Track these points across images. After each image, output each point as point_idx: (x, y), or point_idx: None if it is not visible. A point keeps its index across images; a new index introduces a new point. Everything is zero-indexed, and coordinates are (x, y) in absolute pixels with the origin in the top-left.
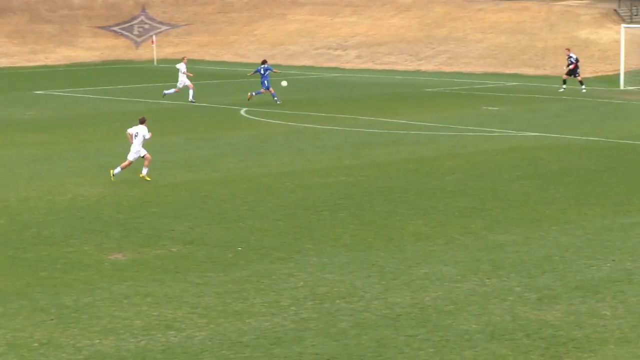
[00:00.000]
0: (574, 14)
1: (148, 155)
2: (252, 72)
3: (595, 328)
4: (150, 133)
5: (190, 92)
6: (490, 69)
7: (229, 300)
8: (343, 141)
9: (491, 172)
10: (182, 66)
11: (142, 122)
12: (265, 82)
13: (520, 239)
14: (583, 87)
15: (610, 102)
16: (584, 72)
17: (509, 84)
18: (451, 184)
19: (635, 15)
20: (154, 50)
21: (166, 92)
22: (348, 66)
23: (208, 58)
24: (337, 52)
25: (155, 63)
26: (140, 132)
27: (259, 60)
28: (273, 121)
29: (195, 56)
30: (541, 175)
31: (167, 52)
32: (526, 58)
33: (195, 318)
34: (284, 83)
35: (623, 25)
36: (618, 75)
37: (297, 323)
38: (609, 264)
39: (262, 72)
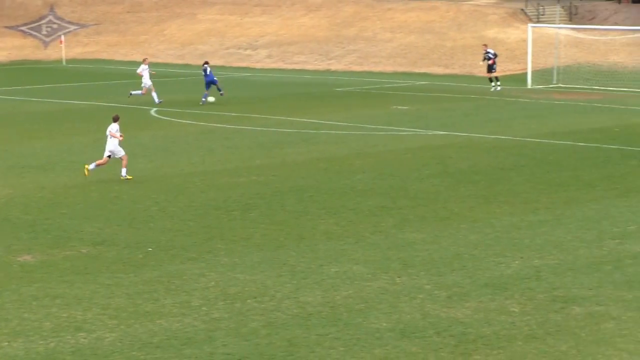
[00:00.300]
0: (482, 14)
1: (125, 155)
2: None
3: (504, 325)
4: (119, 132)
5: (154, 94)
6: (400, 69)
7: (140, 301)
8: (254, 141)
9: (401, 170)
10: (144, 67)
11: (115, 120)
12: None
13: (430, 237)
14: (498, 84)
15: (517, 100)
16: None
17: (418, 83)
18: (361, 183)
19: (542, 15)
20: (62, 50)
21: (132, 92)
22: (258, 66)
23: (118, 58)
24: (247, 52)
25: (64, 63)
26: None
27: (169, 60)
28: (184, 121)
29: (104, 56)
30: (450, 173)
31: (76, 52)
32: (435, 57)
33: (106, 319)
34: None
35: (530, 24)
36: (526, 74)
37: (208, 323)
38: (517, 261)
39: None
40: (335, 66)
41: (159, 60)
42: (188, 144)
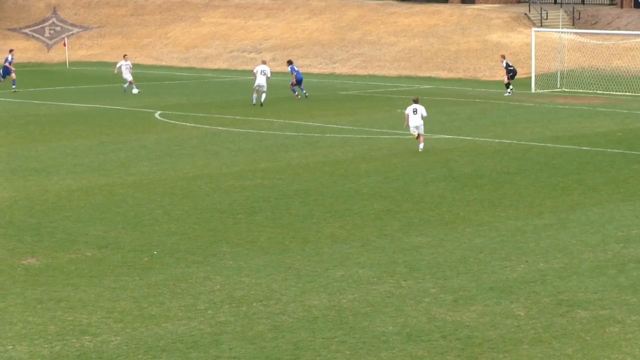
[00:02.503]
0: (486, 18)
1: None
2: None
3: (510, 328)
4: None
5: (133, 86)
6: (404, 72)
7: (145, 305)
8: (258, 144)
9: (406, 174)
10: (123, 63)
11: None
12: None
13: (435, 240)
14: (509, 90)
15: (521, 104)
16: (496, 75)
17: (422, 87)
18: (366, 186)
19: (545, 19)
20: (66, 53)
21: (133, 91)
22: None
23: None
24: (251, 55)
25: (67, 66)
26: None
27: (173, 63)
28: (188, 124)
29: (108, 59)
30: (455, 177)
31: (80, 54)
32: (439, 61)
33: (111, 323)
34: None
35: (534, 29)
36: (530, 78)
37: (214, 327)
38: (522, 265)
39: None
40: (339, 70)
41: (163, 63)
42: (193, 147)
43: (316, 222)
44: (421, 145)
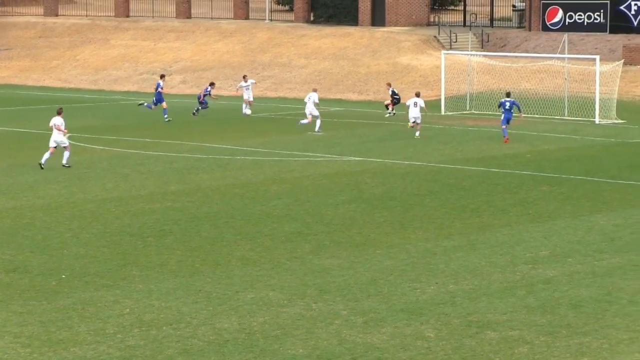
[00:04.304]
0: (396, 41)
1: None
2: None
3: (420, 350)
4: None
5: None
6: None
7: (53, 329)
8: (168, 167)
9: (317, 196)
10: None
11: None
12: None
13: (346, 262)
14: (391, 112)
15: (431, 127)
16: (406, 97)
17: (332, 109)
18: (277, 208)
19: (455, 42)
20: None
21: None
22: (173, 91)
23: (30, 83)
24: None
25: None
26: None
27: (82, 86)
28: (97, 147)
29: (16, 81)
30: (366, 199)
31: None
32: (350, 83)
33: (18, 348)
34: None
35: (443, 51)
36: (439, 100)
37: (123, 351)
38: (432, 287)
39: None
40: None
41: (72, 86)
42: (102, 169)
43: (227, 244)
44: (417, 134)
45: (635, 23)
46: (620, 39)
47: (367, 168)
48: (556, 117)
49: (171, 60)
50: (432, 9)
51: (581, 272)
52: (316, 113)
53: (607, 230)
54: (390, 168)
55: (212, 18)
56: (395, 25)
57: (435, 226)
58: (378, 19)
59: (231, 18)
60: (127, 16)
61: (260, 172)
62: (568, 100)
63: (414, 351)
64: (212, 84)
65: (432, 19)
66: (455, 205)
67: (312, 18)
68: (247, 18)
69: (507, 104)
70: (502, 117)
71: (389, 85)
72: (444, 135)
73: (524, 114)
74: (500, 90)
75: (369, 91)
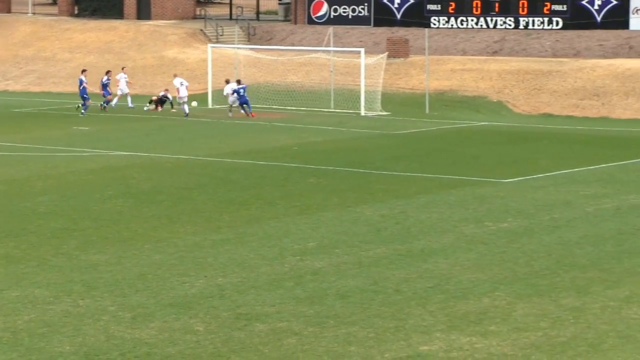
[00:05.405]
0: (162, 34)
1: None
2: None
3: (189, 344)
4: None
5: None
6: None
7: None
8: None
9: (83, 192)
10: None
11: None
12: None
13: (114, 258)
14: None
15: (199, 120)
16: (174, 91)
17: (99, 103)
18: (43, 205)
19: (221, 35)
20: None
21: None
22: None
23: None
24: None
25: None
26: None
27: None
28: None
29: None
30: (133, 194)
31: None
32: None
33: None
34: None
35: (210, 45)
36: (207, 94)
37: None
38: (201, 280)
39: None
40: (12, 87)
41: None
42: None
43: None
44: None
45: (399, 16)
46: (384, 32)
47: (135, 162)
48: (323, 109)
49: None
50: (199, 3)
51: (348, 262)
52: (127, 91)
53: (373, 221)
54: (157, 162)
55: None
56: (161, 19)
57: (203, 220)
58: (144, 12)
59: None
60: None
61: (25, 168)
62: (334, 93)
63: (183, 345)
64: (84, 70)
65: (198, 13)
66: (223, 198)
67: (76, 12)
68: (9, 12)
69: (242, 90)
70: (239, 101)
71: (166, 90)
72: (212, 129)
73: (291, 107)
74: (268, 83)
75: (136, 85)
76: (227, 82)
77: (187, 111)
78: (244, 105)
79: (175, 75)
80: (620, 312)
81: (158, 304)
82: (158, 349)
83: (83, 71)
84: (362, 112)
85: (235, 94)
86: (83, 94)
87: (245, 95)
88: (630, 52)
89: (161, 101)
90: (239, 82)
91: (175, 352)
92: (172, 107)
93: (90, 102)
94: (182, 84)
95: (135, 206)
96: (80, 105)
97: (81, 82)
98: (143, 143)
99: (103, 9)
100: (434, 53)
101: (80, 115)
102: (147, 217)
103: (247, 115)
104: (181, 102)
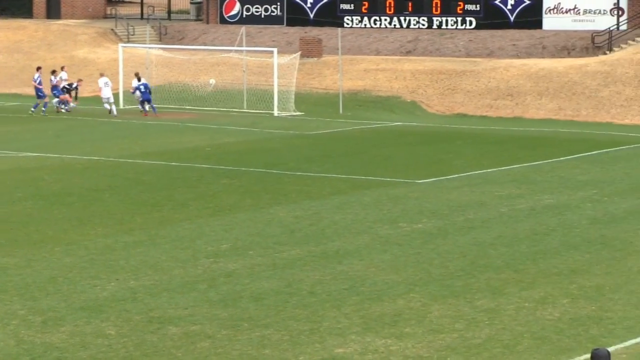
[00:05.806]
0: (72, 34)
1: None
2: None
3: (100, 348)
4: None
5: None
6: None
7: None
8: None
9: None
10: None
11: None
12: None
13: (23, 261)
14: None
15: (110, 121)
16: (84, 91)
17: (8, 104)
18: None
19: (133, 35)
20: None
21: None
22: None
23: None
24: None
25: None
26: None
27: None
28: None
29: None
30: (43, 196)
31: None
32: (25, 78)
33: None
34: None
35: (121, 44)
36: (117, 94)
37: None
38: (113, 283)
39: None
40: None
41: None
42: None
43: None
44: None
45: (312, 16)
46: (297, 32)
47: (45, 164)
48: (236, 109)
49: None
50: (109, 2)
51: (262, 264)
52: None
53: (287, 222)
54: (68, 164)
55: None
56: (71, 18)
57: (115, 222)
58: (53, 11)
59: None
60: None
61: None
62: (247, 93)
63: (94, 349)
64: (39, 68)
65: (109, 12)
66: (135, 200)
67: None
68: None
69: (142, 87)
70: (141, 99)
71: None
72: (123, 130)
73: (204, 107)
74: (180, 83)
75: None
76: (137, 75)
77: (115, 112)
78: (145, 102)
79: (101, 75)
80: (535, 313)
81: (69, 308)
82: (69, 353)
83: (38, 69)
84: (276, 113)
85: (137, 91)
86: (38, 92)
87: (147, 92)
88: (544, 52)
89: (67, 90)
90: (138, 77)
91: (87, 357)
92: (75, 99)
93: (47, 100)
94: (106, 84)
95: (45, 208)
96: (34, 107)
97: (36, 80)
98: (53, 144)
99: (12, 8)
100: (348, 53)
101: (42, 114)
102: (58, 220)
103: (145, 114)
104: (105, 102)
